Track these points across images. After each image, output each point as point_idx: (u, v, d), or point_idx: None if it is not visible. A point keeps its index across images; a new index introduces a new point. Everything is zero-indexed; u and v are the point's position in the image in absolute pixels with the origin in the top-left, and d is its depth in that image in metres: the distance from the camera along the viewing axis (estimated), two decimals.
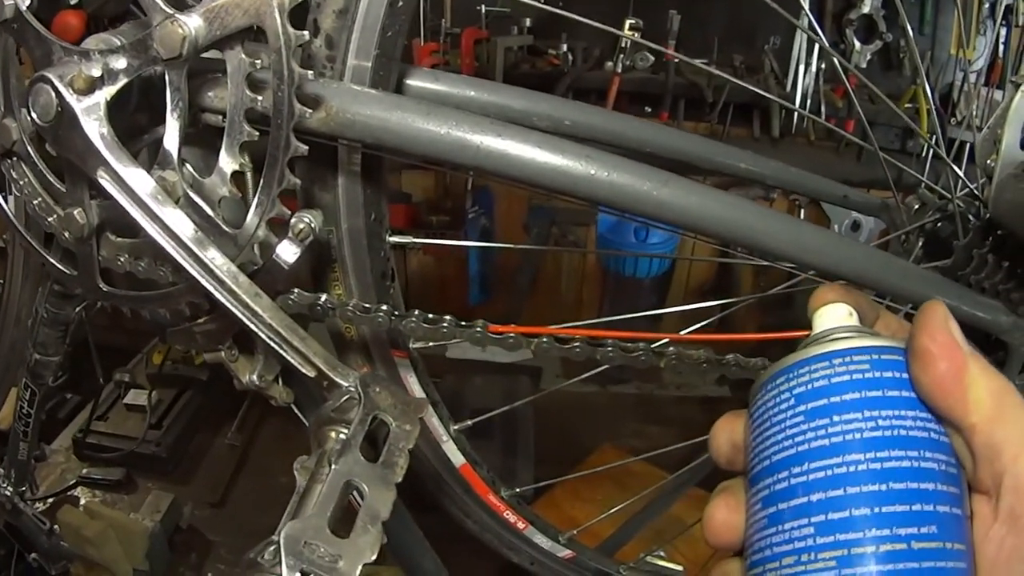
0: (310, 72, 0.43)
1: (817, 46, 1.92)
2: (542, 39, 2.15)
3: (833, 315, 0.37)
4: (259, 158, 0.46)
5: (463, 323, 0.55)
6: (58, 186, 0.51)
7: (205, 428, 2.08)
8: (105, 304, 0.57)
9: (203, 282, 0.46)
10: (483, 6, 2.07)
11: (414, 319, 0.55)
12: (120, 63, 0.44)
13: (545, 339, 0.55)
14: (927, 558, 0.28)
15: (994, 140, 0.60)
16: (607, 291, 2.45)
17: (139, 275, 0.53)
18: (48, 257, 0.59)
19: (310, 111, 0.44)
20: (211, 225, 0.48)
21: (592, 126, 0.66)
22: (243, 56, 0.43)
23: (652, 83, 2.06)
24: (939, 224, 0.69)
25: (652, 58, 2.05)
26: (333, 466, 0.42)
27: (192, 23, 0.41)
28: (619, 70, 2.02)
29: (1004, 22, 1.90)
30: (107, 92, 0.44)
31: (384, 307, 0.54)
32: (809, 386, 0.32)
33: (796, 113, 2.06)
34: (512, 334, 0.55)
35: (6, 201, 0.58)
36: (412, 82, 0.59)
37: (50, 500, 1.75)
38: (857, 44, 1.95)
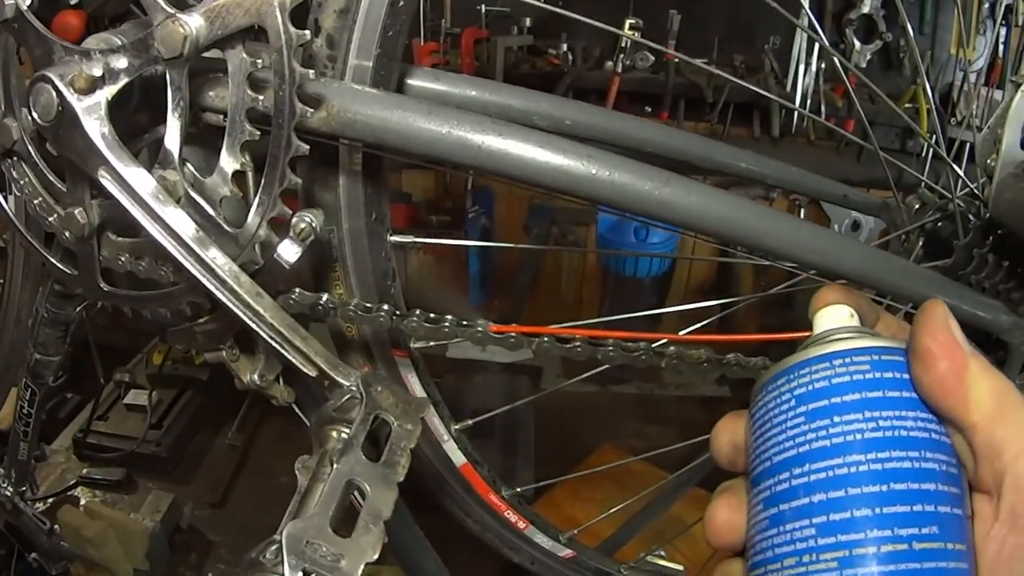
0: (311, 72, 0.43)
1: (817, 46, 1.92)
2: (542, 39, 2.16)
3: (834, 316, 0.37)
4: (260, 157, 0.46)
5: (464, 322, 0.55)
6: (59, 186, 0.51)
7: (205, 428, 2.08)
8: (106, 304, 0.57)
9: (204, 282, 0.46)
10: (483, 6, 2.07)
11: (415, 318, 0.55)
12: (121, 62, 0.44)
13: (546, 339, 0.55)
14: (928, 559, 0.28)
15: (994, 140, 0.60)
16: (607, 291, 2.45)
17: (140, 275, 0.53)
18: (49, 257, 0.59)
19: (311, 110, 0.44)
20: (212, 225, 0.48)
21: (593, 126, 0.66)
22: (244, 56, 0.43)
23: (652, 83, 2.06)
24: (939, 224, 0.69)
25: (652, 58, 2.05)
26: (335, 465, 0.42)
27: (193, 22, 0.41)
28: (619, 70, 2.02)
29: (1004, 22, 1.90)
30: (108, 91, 0.44)
31: (385, 306, 0.54)
32: (810, 387, 0.32)
33: (796, 113, 2.06)
34: (513, 334, 0.55)
35: (7, 201, 0.58)
36: (413, 82, 0.59)
37: (50, 500, 1.74)
38: (857, 44, 1.95)
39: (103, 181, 0.45)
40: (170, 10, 0.41)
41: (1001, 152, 0.59)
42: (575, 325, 0.58)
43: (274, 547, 0.39)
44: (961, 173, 0.68)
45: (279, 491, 1.69)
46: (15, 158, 0.51)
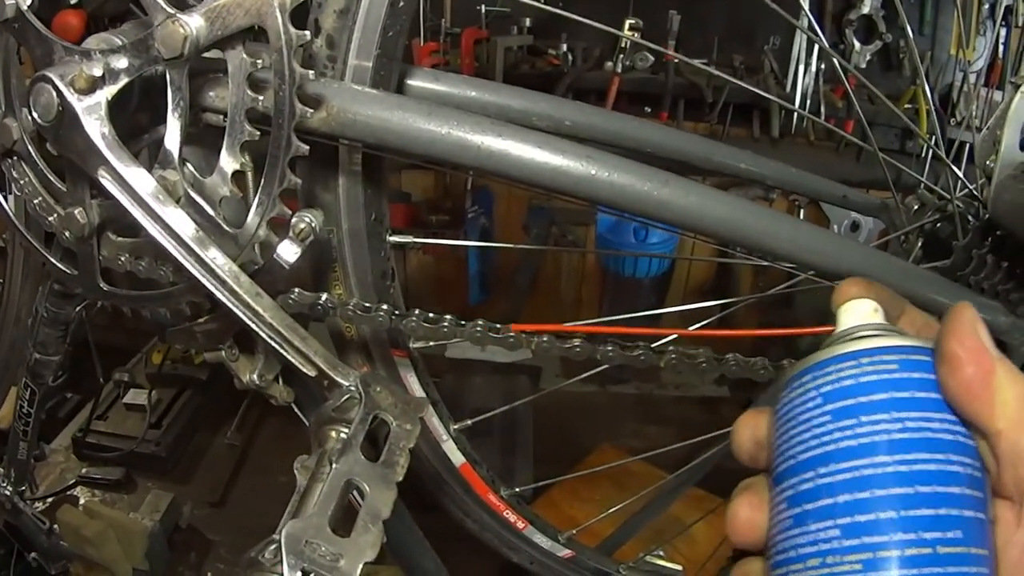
0: (311, 72, 0.43)
1: (817, 46, 1.92)
2: (542, 39, 2.15)
3: (858, 311, 0.36)
4: (260, 158, 0.46)
5: (463, 322, 0.55)
6: (59, 185, 0.51)
7: (205, 428, 2.08)
8: (105, 303, 0.57)
9: (204, 282, 0.46)
10: (483, 6, 2.07)
11: (414, 318, 0.55)
12: (121, 63, 0.44)
13: (545, 338, 0.55)
14: (952, 563, 0.28)
15: (993, 141, 0.60)
16: (607, 291, 2.45)
17: (140, 275, 0.53)
18: (48, 256, 0.59)
19: (311, 111, 0.44)
20: (212, 225, 0.48)
21: (592, 126, 0.67)
22: (244, 56, 0.44)
23: (652, 83, 2.06)
24: (938, 224, 0.69)
25: (652, 58, 2.05)
26: (334, 465, 0.42)
27: (193, 23, 0.41)
28: (619, 70, 2.02)
29: (1004, 23, 1.89)
30: (108, 92, 0.44)
31: (385, 306, 0.54)
32: (836, 385, 0.31)
33: (796, 113, 2.05)
34: (512, 333, 0.55)
35: (7, 200, 0.58)
36: (413, 82, 0.59)
37: (50, 500, 1.75)
38: (857, 44, 1.95)
39: (103, 181, 0.45)
40: (170, 10, 0.42)
41: (1000, 153, 0.59)
42: (575, 325, 0.58)
43: (273, 546, 0.39)
44: (960, 174, 0.68)
45: (278, 491, 1.69)
46: (15, 158, 0.51)
